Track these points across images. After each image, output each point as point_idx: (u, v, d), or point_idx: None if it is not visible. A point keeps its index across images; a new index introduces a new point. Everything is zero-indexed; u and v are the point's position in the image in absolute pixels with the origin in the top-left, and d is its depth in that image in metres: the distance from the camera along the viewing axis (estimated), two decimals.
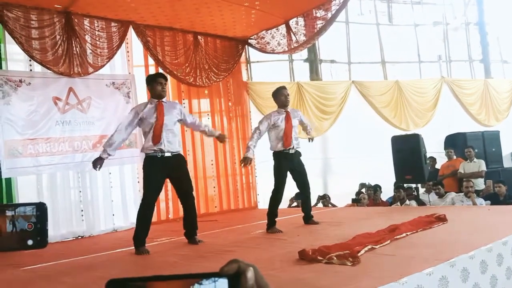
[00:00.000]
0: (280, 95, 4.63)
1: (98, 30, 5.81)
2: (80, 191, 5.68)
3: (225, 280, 0.49)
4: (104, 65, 5.80)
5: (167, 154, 3.94)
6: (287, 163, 4.55)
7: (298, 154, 4.64)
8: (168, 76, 6.53)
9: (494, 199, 6.42)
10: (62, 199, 5.52)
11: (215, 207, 6.92)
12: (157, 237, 4.76)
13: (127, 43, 6.15)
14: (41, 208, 0.84)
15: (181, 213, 6.38)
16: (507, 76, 11.61)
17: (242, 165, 4.63)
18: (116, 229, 5.82)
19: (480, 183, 7.36)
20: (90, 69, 5.66)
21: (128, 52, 6.21)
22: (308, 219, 4.76)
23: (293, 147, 4.54)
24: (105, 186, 5.88)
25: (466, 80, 10.78)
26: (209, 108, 7.09)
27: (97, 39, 5.76)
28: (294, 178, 4.68)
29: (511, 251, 2.97)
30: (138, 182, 6.15)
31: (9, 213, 0.81)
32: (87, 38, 5.70)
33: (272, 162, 4.65)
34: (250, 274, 0.49)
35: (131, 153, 6.07)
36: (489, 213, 4.59)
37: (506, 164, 9.49)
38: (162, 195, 6.30)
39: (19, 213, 0.81)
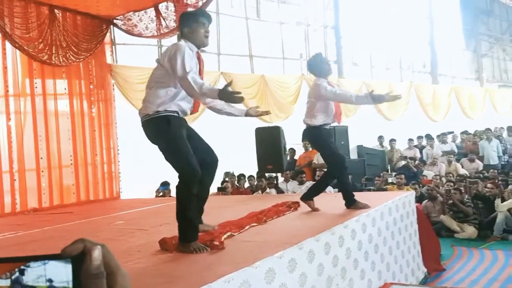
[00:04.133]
0: (322, 63, 3.99)
1: None
2: None
3: (60, 263, 0.44)
4: None
5: (182, 116, 2.91)
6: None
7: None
8: (18, 52, 5.84)
9: None
10: None
11: (72, 196, 6.41)
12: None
13: None
14: None
15: (30, 205, 5.85)
16: (356, 77, 13.04)
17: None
18: None
19: None
20: None
21: None
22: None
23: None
24: None
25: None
26: (67, 90, 6.50)
27: None
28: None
29: (350, 233, 3.35)
30: None
31: None
32: None
33: None
34: (96, 253, 0.45)
35: None
36: (335, 199, 5.11)
37: (353, 156, 10.70)
38: (7, 186, 5.65)
39: None
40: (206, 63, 9.72)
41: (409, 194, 4.83)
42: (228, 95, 2.58)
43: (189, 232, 2.79)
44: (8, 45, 5.74)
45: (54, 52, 6.10)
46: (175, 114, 2.81)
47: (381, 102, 3.84)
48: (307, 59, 11.61)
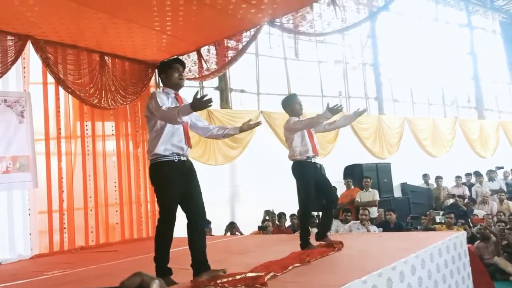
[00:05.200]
0: (294, 104, 4.36)
1: None
2: None
3: None
4: None
5: (183, 158, 3.14)
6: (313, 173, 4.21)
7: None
8: (70, 96, 6.20)
9: (385, 226, 6.95)
10: None
11: (117, 234, 6.54)
12: (48, 270, 4.36)
13: (24, 58, 5.72)
14: None
15: (78, 243, 6.01)
16: (397, 113, 12.85)
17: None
18: (0, 262, 5.25)
19: (374, 211, 7.93)
20: None
21: (24, 68, 5.76)
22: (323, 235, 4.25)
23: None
24: None
25: (362, 116, 11.67)
26: (114, 131, 6.79)
27: None
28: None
29: (399, 275, 3.20)
30: (29, 209, 5.64)
31: None
32: None
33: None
34: (154, 287, 0.46)
35: (22, 178, 5.55)
36: (381, 239, 4.94)
37: (396, 194, 10.37)
38: (56, 223, 5.85)
39: None
40: (246, 102, 9.85)
41: (460, 235, 4.59)
42: (198, 103, 2.78)
43: (157, 268, 3.06)
44: (61, 90, 6.12)
45: (103, 96, 6.43)
46: (170, 159, 3.05)
47: (337, 112, 4.01)
48: (346, 96, 11.70)
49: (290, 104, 4.37)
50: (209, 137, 3.57)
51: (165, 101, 3.07)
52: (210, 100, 2.78)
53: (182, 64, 3.29)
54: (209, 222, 7.51)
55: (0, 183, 5.37)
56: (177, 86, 3.24)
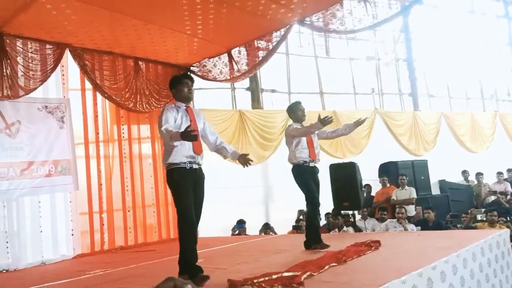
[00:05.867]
0: (297, 110, 4.71)
1: (32, 52, 5.56)
2: (5, 221, 5.28)
3: None
4: (36, 88, 5.53)
5: (195, 166, 3.42)
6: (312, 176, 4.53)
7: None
8: (107, 101, 6.39)
9: (423, 224, 6.77)
10: None
11: (154, 234, 6.69)
12: (90, 270, 4.51)
13: (63, 66, 5.95)
14: None
15: (117, 243, 6.19)
16: (433, 109, 12.50)
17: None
18: (44, 262, 5.48)
19: (411, 210, 7.74)
20: (21, 92, 5.37)
21: (63, 75, 5.99)
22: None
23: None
24: (33, 216, 5.54)
25: (396, 112, 11.47)
26: (150, 134, 6.95)
27: (30, 61, 5.50)
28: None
29: (439, 275, 3.12)
30: (71, 211, 5.85)
31: None
32: (19, 60, 5.42)
33: None
34: None
35: (63, 181, 5.78)
36: (419, 238, 4.83)
37: (434, 191, 10.08)
38: (97, 224, 6.05)
39: None
40: (277, 102, 9.87)
41: (503, 232, 4.42)
42: (187, 135, 3.08)
43: (187, 268, 3.27)
44: (98, 95, 6.31)
45: (138, 99, 6.59)
46: (182, 166, 3.34)
47: (328, 124, 4.26)
48: (379, 93, 11.49)
49: (294, 110, 4.73)
50: (215, 152, 3.84)
51: (170, 119, 3.35)
52: (196, 137, 3.12)
53: (191, 79, 3.61)
54: (243, 222, 7.56)
55: (43, 186, 5.61)
56: (186, 99, 3.55)
